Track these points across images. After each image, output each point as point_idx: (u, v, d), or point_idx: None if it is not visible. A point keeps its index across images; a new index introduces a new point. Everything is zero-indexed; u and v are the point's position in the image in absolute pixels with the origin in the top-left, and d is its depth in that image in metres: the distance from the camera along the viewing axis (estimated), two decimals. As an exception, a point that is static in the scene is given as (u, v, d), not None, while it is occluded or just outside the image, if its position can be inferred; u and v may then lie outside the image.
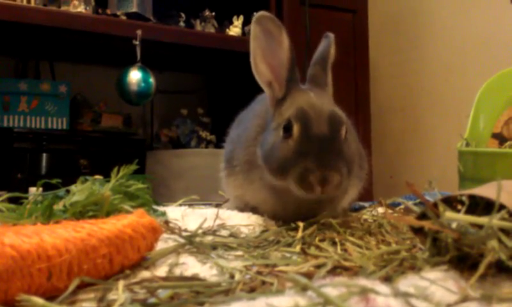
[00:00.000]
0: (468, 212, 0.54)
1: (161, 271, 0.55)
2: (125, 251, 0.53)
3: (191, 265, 0.57)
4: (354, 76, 3.05)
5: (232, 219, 0.85)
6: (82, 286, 0.48)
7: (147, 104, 2.87)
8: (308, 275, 0.50)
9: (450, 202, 0.57)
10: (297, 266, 0.56)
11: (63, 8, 2.37)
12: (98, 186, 0.74)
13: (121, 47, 2.52)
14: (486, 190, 0.55)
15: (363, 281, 0.43)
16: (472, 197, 0.56)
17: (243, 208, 0.92)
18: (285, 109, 0.82)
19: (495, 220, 0.49)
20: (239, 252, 0.64)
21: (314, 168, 0.74)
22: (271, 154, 0.80)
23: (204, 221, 0.78)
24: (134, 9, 2.49)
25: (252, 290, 0.48)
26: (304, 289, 0.41)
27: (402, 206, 0.95)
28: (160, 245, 0.62)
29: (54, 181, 0.75)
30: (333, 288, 0.40)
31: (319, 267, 0.56)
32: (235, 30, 2.76)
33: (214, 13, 2.79)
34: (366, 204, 1.06)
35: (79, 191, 0.72)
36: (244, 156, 0.89)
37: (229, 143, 0.98)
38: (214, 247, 0.66)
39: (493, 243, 0.48)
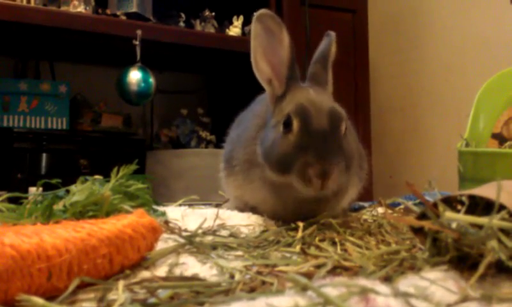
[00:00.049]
0: (468, 212, 0.54)
1: (161, 271, 0.55)
2: (125, 251, 0.53)
3: (191, 265, 0.57)
4: (354, 76, 3.05)
5: (232, 219, 0.85)
6: (82, 286, 0.48)
7: (147, 104, 2.87)
8: (308, 275, 0.50)
9: (450, 202, 0.57)
10: (297, 266, 0.56)
11: (63, 8, 2.36)
12: (98, 186, 0.74)
13: (121, 46, 2.52)
14: (485, 191, 0.55)
15: (363, 281, 0.43)
16: (471, 198, 0.56)
17: (243, 208, 0.92)
18: (284, 105, 0.83)
19: (494, 221, 0.49)
20: (239, 252, 0.64)
21: (314, 162, 0.74)
22: (271, 150, 0.81)
23: (204, 221, 0.78)
24: (134, 9, 2.49)
25: (252, 290, 0.48)
26: (304, 289, 0.41)
27: (402, 206, 0.95)
28: (160, 245, 0.62)
29: (54, 181, 0.75)
30: (333, 288, 0.40)
31: (319, 267, 0.56)
32: (235, 30, 2.76)
33: (213, 13, 2.79)
34: (366, 204, 1.06)
35: (79, 191, 0.72)
36: (244, 155, 0.89)
37: (229, 143, 0.98)
38: (214, 247, 0.66)
39: (493, 243, 0.48)
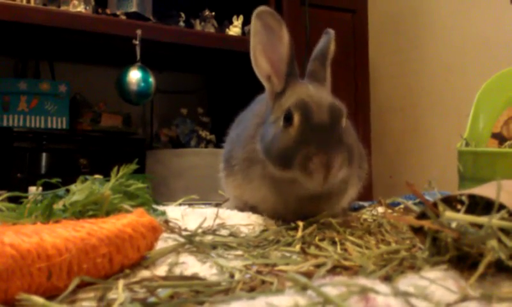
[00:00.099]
0: (467, 211, 0.54)
1: (161, 270, 0.55)
2: (125, 250, 0.53)
3: (190, 265, 0.57)
4: (354, 76, 3.05)
5: (232, 218, 0.85)
6: (82, 286, 0.48)
7: (147, 104, 2.87)
8: (308, 275, 0.50)
9: (450, 202, 0.57)
10: (297, 265, 0.56)
11: (63, 8, 2.37)
12: (98, 185, 0.74)
13: (121, 46, 2.52)
14: (485, 190, 0.55)
15: (362, 281, 0.43)
16: (471, 197, 0.56)
17: (243, 207, 0.92)
18: (284, 101, 0.83)
19: (494, 220, 0.49)
20: (239, 252, 0.64)
21: (316, 154, 0.74)
22: (272, 145, 0.80)
23: (204, 221, 0.78)
24: (134, 8, 2.49)
25: (252, 290, 0.48)
26: (304, 288, 0.41)
27: (401, 206, 0.96)
28: (160, 245, 0.62)
29: (54, 180, 0.75)
30: (332, 288, 0.40)
31: (318, 266, 0.56)
32: (235, 30, 2.76)
33: (213, 13, 2.79)
34: (366, 203, 1.06)
35: (79, 190, 0.72)
36: (243, 154, 0.89)
37: (228, 143, 0.99)
38: (213, 246, 0.66)
39: (493, 242, 0.49)
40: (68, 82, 2.66)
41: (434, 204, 0.55)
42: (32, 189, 0.78)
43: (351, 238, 0.71)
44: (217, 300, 0.43)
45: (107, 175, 0.79)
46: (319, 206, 0.81)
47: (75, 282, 0.46)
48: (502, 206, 0.51)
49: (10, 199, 0.73)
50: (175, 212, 0.87)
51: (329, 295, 0.39)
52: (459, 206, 0.56)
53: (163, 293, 0.45)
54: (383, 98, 3.23)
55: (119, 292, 0.45)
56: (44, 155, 2.45)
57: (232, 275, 0.53)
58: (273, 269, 0.55)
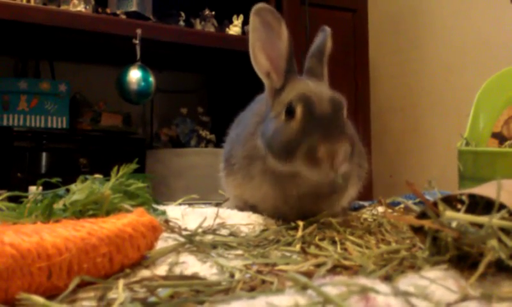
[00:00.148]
0: (468, 211, 0.54)
1: (161, 270, 0.55)
2: (125, 249, 0.53)
3: (191, 264, 0.57)
4: (354, 76, 3.05)
5: (232, 218, 0.85)
6: (82, 285, 0.48)
7: (147, 103, 2.88)
8: (308, 275, 0.50)
9: (450, 201, 0.57)
10: (297, 265, 0.56)
11: (63, 7, 2.37)
12: (98, 185, 0.74)
13: (121, 46, 2.52)
14: (485, 190, 0.55)
15: (363, 280, 0.43)
16: (471, 197, 0.56)
17: (243, 207, 0.92)
18: (284, 96, 0.83)
19: (494, 220, 0.49)
20: (239, 251, 0.64)
21: (321, 143, 0.74)
22: (274, 139, 0.80)
23: (204, 220, 0.78)
24: (134, 8, 2.49)
25: (252, 289, 0.48)
26: (304, 288, 0.41)
27: (402, 206, 0.95)
28: (160, 244, 0.62)
29: (54, 180, 0.75)
30: (333, 287, 0.40)
31: (318, 266, 0.56)
32: (235, 29, 2.76)
33: (213, 12, 2.79)
34: (366, 203, 1.06)
35: (79, 190, 0.72)
36: (243, 152, 0.89)
37: (228, 143, 0.99)
38: (214, 246, 0.66)
39: (493, 242, 0.48)
40: (68, 82, 2.66)
41: (435, 204, 0.55)
42: (33, 189, 0.78)
43: (351, 237, 0.71)
44: (218, 300, 0.42)
45: (107, 175, 0.79)
46: (319, 205, 0.81)
47: (75, 281, 0.46)
48: (502, 206, 0.51)
49: (10, 199, 0.73)
50: (175, 212, 0.87)
51: (329, 294, 0.39)
52: (459, 206, 0.56)
53: (163, 292, 0.45)
54: (383, 97, 3.23)
55: (119, 292, 0.45)
56: (44, 154, 2.45)
57: (232, 275, 0.53)
58: (273, 269, 0.55)
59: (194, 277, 0.52)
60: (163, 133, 2.89)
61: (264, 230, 0.78)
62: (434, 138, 2.96)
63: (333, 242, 0.69)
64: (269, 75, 0.87)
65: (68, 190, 0.74)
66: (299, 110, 0.78)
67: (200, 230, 0.73)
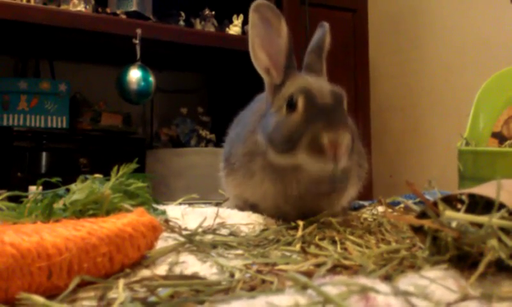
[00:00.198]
0: (467, 211, 0.54)
1: (161, 270, 0.55)
2: (125, 249, 0.53)
3: (191, 264, 0.57)
4: (354, 76, 3.05)
5: (232, 217, 0.85)
6: (83, 285, 0.48)
7: (147, 103, 2.87)
8: (308, 274, 0.50)
9: (450, 201, 0.57)
10: (297, 265, 0.56)
11: (63, 7, 2.37)
12: (98, 185, 0.74)
13: (121, 45, 2.52)
14: (485, 189, 0.55)
15: (363, 280, 0.43)
16: (471, 196, 0.56)
17: (243, 206, 0.92)
18: (284, 91, 0.83)
19: (494, 219, 0.49)
20: (239, 251, 0.64)
21: (324, 132, 0.74)
22: (276, 133, 0.80)
23: (204, 220, 0.78)
24: (134, 8, 2.49)
25: (252, 289, 0.48)
26: (304, 288, 0.41)
27: (402, 205, 0.95)
28: (160, 244, 0.62)
29: (54, 180, 0.75)
30: (333, 287, 0.40)
31: (318, 265, 0.56)
32: (235, 29, 2.76)
33: (213, 12, 2.79)
34: (366, 203, 1.06)
35: (79, 190, 0.72)
36: (244, 149, 0.88)
37: (228, 143, 0.99)
38: (214, 245, 0.66)
39: (493, 242, 0.49)
40: (68, 81, 2.66)
41: (435, 204, 0.55)
42: (33, 188, 0.78)
43: (351, 237, 0.71)
44: (218, 300, 0.42)
45: (107, 174, 0.79)
46: (320, 203, 0.81)
47: (75, 281, 0.46)
48: (502, 206, 0.51)
49: (10, 199, 0.73)
50: (175, 211, 0.87)
51: (329, 294, 0.39)
52: (459, 206, 0.56)
53: (163, 292, 0.45)
54: (383, 97, 3.23)
55: (119, 291, 0.45)
56: (44, 154, 2.45)
57: (232, 275, 0.53)
58: (273, 268, 0.55)
59: (194, 277, 0.52)
60: (163, 133, 2.89)
61: (264, 230, 0.78)
62: (434, 138, 2.96)
63: (333, 242, 0.69)
64: (269, 71, 0.87)
65: (68, 190, 0.74)
66: (300, 102, 0.79)
67: (199, 230, 0.73)
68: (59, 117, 2.59)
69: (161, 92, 2.88)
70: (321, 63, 0.92)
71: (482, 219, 0.50)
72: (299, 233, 0.72)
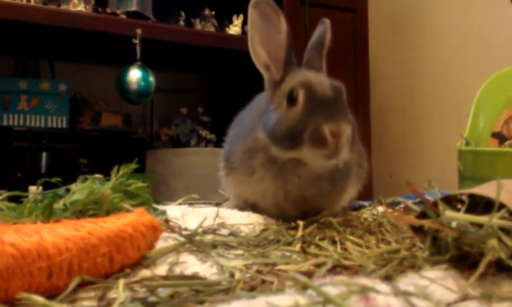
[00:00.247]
0: (468, 211, 0.54)
1: (161, 270, 0.55)
2: (125, 249, 0.53)
3: (191, 264, 0.57)
4: (354, 75, 3.04)
5: (232, 217, 0.85)
6: (83, 285, 0.48)
7: (147, 103, 2.87)
8: (308, 274, 0.50)
9: (450, 201, 0.57)
10: (297, 265, 0.56)
11: (63, 7, 2.37)
12: (98, 185, 0.74)
13: (121, 45, 2.52)
14: (485, 190, 0.55)
15: (363, 280, 0.43)
16: (471, 197, 0.56)
17: (243, 206, 0.92)
18: (284, 87, 0.83)
19: (494, 219, 0.49)
20: (239, 251, 0.64)
21: (325, 123, 0.74)
22: (278, 127, 0.80)
23: (204, 220, 0.78)
24: (134, 8, 2.49)
25: (252, 289, 0.48)
26: (304, 288, 0.41)
27: (402, 206, 0.95)
28: (160, 244, 0.62)
29: (54, 180, 0.75)
30: (333, 287, 0.40)
31: (319, 265, 0.56)
32: (235, 29, 2.76)
33: (213, 12, 2.79)
34: (366, 203, 1.06)
35: (79, 190, 0.72)
36: (244, 147, 0.88)
37: (228, 143, 0.99)
38: (214, 245, 0.66)
39: (493, 242, 0.49)
40: (68, 81, 2.66)
41: (435, 204, 0.55)
42: (33, 188, 0.78)
43: (351, 237, 0.71)
44: (218, 300, 0.43)
45: (107, 174, 0.79)
46: (320, 202, 0.81)
47: (75, 281, 0.46)
48: (502, 206, 0.51)
49: (10, 199, 0.73)
50: (175, 212, 0.87)
51: (329, 294, 0.39)
52: (459, 206, 0.56)
53: (163, 292, 0.45)
54: (383, 97, 3.23)
55: (119, 291, 0.45)
56: (44, 154, 2.45)
57: (232, 275, 0.53)
58: (273, 268, 0.55)
59: (194, 277, 0.52)
60: (163, 133, 2.89)
61: (264, 230, 0.78)
62: (434, 138, 2.96)
63: (333, 242, 0.69)
64: (268, 68, 0.87)
65: (68, 190, 0.74)
66: (301, 96, 0.79)
67: (200, 230, 0.73)
68: (59, 117, 2.59)
69: (161, 92, 2.88)
70: (321, 60, 0.92)
71: (482, 219, 0.50)
72: (299, 233, 0.72)
